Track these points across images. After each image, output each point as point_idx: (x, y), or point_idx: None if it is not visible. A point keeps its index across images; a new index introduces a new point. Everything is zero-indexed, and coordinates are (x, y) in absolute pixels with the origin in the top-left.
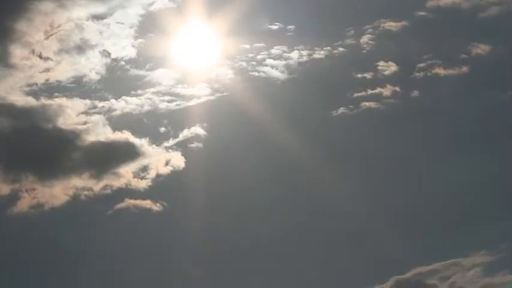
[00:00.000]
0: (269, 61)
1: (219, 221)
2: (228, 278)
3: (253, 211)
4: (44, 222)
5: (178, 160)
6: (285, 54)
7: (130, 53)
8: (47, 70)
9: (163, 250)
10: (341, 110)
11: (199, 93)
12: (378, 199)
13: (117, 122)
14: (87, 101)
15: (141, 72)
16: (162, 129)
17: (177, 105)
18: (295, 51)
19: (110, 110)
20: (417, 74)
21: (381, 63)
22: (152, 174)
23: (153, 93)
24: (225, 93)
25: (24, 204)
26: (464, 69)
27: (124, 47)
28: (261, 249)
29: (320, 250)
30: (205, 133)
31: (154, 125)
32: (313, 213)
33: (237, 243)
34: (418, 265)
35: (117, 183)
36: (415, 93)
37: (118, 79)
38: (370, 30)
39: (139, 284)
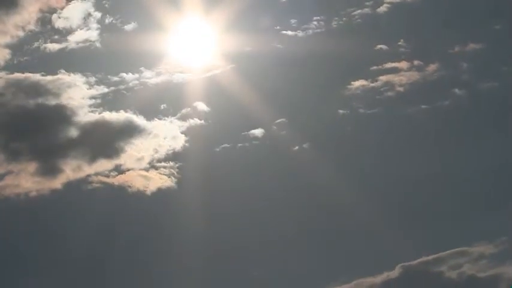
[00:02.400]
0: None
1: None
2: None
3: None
4: None
5: None
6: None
7: None
8: None
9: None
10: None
11: None
12: (384, 189)
13: None
14: None
15: None
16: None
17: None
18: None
19: None
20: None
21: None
22: None
23: None
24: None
25: None
26: (484, 44)
27: None
28: (266, 233)
29: (330, 240)
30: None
31: None
32: (323, 202)
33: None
34: (424, 254)
35: None
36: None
37: None
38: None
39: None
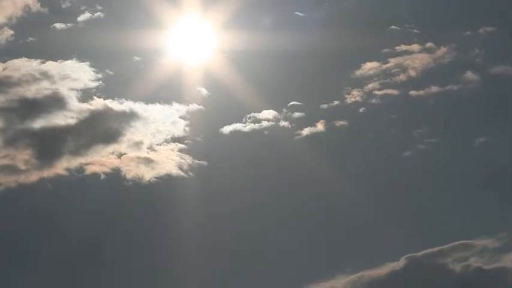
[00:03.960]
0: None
1: None
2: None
3: None
4: None
5: None
6: None
7: None
8: None
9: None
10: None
11: None
12: (391, 179)
13: None
14: None
15: None
16: None
17: None
18: None
19: None
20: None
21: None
22: None
23: None
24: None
25: None
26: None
27: None
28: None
29: (338, 230)
30: None
31: None
32: (331, 194)
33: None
34: (428, 246)
35: None
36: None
37: None
38: None
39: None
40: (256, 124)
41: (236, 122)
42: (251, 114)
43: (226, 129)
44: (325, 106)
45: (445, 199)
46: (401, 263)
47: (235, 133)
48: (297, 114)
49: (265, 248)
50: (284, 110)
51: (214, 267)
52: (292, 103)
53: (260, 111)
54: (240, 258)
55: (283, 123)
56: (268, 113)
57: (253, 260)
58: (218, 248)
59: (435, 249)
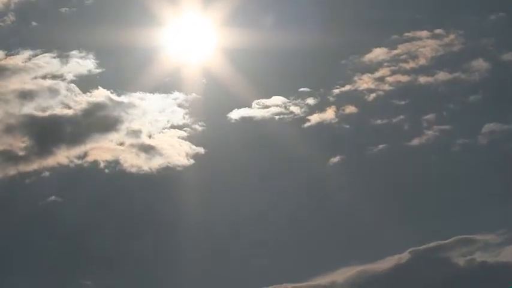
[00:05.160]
0: None
1: None
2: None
3: None
4: None
5: None
6: None
7: None
8: None
9: None
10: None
11: None
12: (398, 171)
13: None
14: None
15: None
16: None
17: None
18: None
19: None
20: None
21: None
22: None
23: None
24: None
25: None
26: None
27: None
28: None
29: (343, 223)
30: None
31: None
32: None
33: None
34: (433, 240)
35: None
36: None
37: None
38: None
39: None
40: (265, 109)
41: (244, 107)
42: (260, 100)
43: (234, 114)
44: (335, 92)
45: (453, 189)
46: (405, 256)
47: (244, 119)
48: (307, 101)
49: (268, 239)
50: (293, 96)
51: (215, 254)
52: (302, 89)
53: (269, 98)
54: (242, 248)
55: (292, 109)
56: (278, 99)
57: (254, 253)
58: (219, 237)
59: (438, 242)
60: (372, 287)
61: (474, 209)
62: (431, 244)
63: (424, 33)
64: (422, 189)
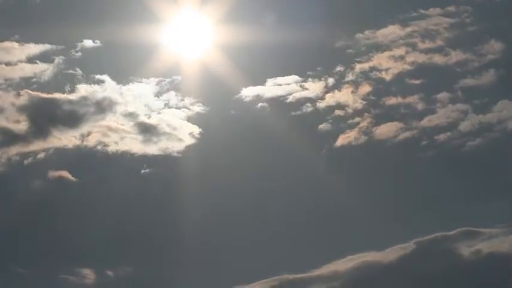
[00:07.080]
0: None
1: None
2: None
3: None
4: None
5: None
6: None
7: None
8: None
9: None
10: None
11: None
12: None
13: None
14: None
15: None
16: None
17: None
18: None
19: None
20: None
21: None
22: None
23: None
24: None
25: None
26: None
27: None
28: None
29: (351, 213)
30: None
31: None
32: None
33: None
34: (437, 231)
35: None
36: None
37: None
38: None
39: None
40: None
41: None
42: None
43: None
44: (348, 71)
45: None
46: (409, 246)
47: (256, 97)
48: (320, 80)
49: (273, 225)
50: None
51: (214, 242)
52: (317, 69)
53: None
54: (243, 237)
55: (307, 87)
56: (291, 78)
57: (255, 244)
58: (220, 224)
59: (442, 233)
60: (376, 276)
61: (479, 201)
62: (437, 234)
63: (437, 10)
64: (430, 177)
